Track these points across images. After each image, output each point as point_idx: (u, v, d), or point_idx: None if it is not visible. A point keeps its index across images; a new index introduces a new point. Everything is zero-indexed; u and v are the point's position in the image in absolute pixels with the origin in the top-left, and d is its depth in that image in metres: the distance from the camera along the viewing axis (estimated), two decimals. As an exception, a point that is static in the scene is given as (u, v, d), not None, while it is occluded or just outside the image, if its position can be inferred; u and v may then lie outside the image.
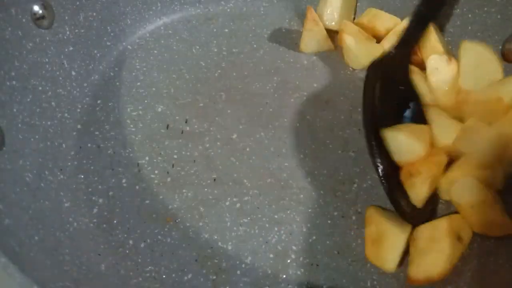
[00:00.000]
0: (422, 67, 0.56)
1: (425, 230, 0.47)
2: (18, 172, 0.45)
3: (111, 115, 0.56)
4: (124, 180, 0.52)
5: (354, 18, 0.65)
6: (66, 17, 0.53)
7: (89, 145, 0.53)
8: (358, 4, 0.65)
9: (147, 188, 0.51)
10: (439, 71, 0.54)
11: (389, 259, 0.46)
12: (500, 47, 0.53)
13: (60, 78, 0.53)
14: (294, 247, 0.49)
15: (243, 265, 0.48)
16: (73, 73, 0.55)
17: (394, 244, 0.46)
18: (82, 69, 0.56)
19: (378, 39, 0.61)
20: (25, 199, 0.44)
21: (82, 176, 0.51)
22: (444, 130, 0.50)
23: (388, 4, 0.63)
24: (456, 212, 0.48)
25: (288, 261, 0.48)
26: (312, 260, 0.48)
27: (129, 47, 0.61)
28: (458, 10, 0.58)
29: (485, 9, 0.56)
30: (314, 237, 0.49)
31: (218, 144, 0.54)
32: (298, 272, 0.48)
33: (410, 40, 0.54)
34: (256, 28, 0.64)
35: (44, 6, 0.50)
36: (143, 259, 0.47)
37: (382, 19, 0.61)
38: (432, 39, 0.55)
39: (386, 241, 0.46)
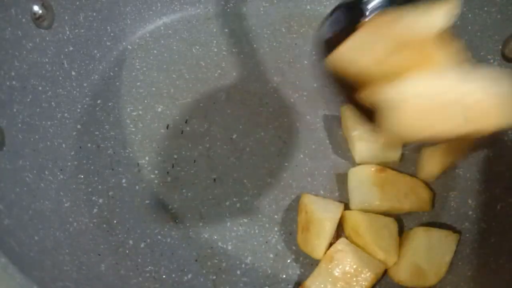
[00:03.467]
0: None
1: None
2: (18, 172, 0.45)
3: (111, 115, 0.56)
4: (124, 180, 0.52)
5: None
6: (66, 17, 0.53)
7: (89, 145, 0.53)
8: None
9: (147, 188, 0.51)
10: None
11: (316, 246, 0.46)
12: (500, 47, 0.53)
13: (60, 78, 0.53)
14: (294, 247, 0.49)
15: (243, 265, 0.48)
16: (73, 73, 0.55)
17: (320, 232, 0.46)
18: (82, 69, 0.56)
19: None
20: (25, 199, 0.44)
21: (82, 176, 0.51)
22: None
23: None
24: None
25: (288, 261, 0.48)
26: (312, 260, 0.48)
27: (129, 47, 0.61)
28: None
29: (485, 9, 0.55)
30: (314, 237, 0.49)
31: (218, 144, 0.54)
32: (298, 272, 0.48)
33: None
34: (256, 28, 0.64)
35: (44, 6, 0.50)
36: (143, 259, 0.47)
37: None
38: None
39: (314, 228, 0.46)
